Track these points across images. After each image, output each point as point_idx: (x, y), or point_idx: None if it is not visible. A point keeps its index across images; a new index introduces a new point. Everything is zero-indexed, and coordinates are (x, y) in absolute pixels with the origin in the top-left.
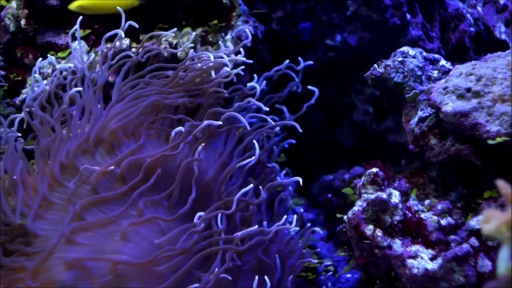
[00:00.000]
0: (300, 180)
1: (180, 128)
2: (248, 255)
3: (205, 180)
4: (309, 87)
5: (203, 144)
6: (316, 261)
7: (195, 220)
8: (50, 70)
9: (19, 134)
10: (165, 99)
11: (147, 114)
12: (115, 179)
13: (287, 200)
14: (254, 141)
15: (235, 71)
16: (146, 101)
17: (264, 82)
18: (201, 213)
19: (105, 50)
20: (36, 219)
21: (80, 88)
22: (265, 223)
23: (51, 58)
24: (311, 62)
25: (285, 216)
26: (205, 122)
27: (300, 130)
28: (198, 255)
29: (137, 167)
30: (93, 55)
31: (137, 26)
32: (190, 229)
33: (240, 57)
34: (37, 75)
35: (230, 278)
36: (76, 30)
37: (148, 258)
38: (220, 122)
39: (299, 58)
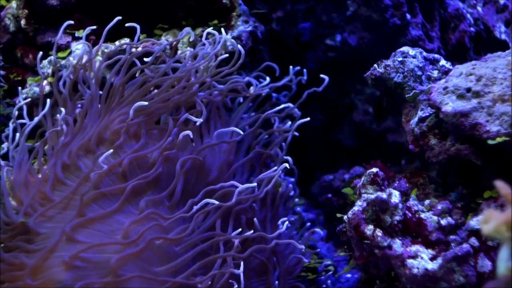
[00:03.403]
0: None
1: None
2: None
3: (209, 179)
4: (321, 75)
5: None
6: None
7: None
8: (50, 70)
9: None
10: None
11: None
12: (116, 177)
13: (289, 198)
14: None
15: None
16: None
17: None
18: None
19: (105, 50)
20: (38, 218)
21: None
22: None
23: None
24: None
25: (283, 224)
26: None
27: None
28: (199, 263)
29: (138, 165)
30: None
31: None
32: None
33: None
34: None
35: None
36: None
37: (149, 258)
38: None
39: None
